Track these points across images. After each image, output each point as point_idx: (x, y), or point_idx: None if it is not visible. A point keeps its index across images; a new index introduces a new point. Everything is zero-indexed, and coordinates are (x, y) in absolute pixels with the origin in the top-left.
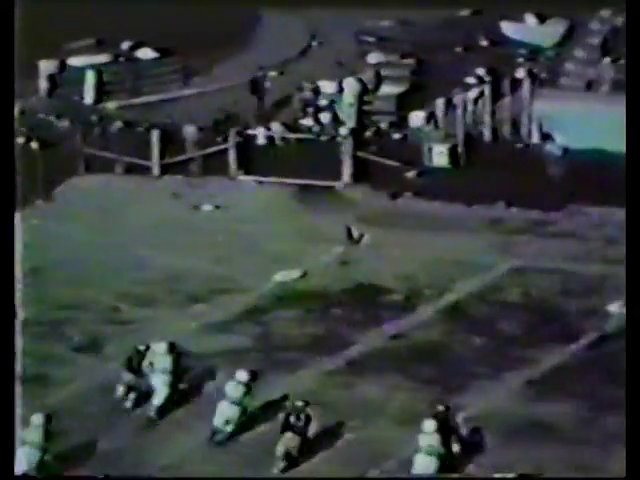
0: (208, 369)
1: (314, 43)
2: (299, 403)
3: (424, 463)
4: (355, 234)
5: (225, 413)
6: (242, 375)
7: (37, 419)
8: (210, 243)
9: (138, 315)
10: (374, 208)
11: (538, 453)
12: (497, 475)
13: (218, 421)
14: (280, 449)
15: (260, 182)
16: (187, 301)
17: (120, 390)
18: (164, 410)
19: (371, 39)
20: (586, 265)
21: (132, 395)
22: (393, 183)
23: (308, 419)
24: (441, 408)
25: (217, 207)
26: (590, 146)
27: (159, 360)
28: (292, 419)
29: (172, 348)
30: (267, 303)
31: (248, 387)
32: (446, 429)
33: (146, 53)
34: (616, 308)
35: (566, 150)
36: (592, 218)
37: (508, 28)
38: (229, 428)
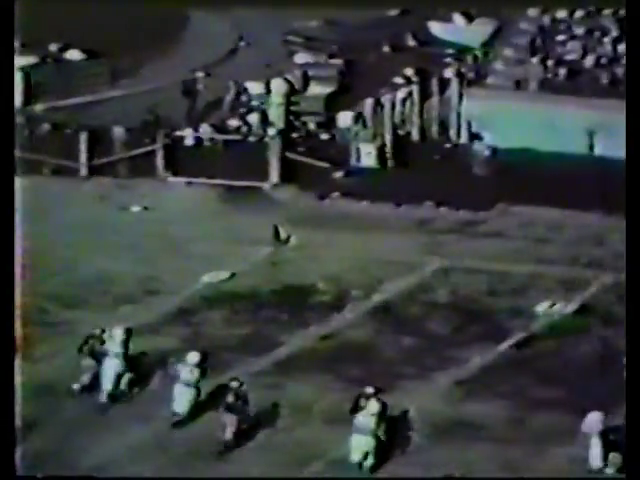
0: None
1: (242, 44)
2: (234, 383)
3: (359, 442)
4: (282, 235)
5: (183, 396)
6: (194, 357)
7: None
8: (138, 244)
9: (66, 316)
10: (302, 209)
11: (467, 452)
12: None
13: (177, 405)
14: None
15: (188, 183)
16: (115, 302)
17: (85, 378)
18: (115, 396)
19: (299, 40)
20: (514, 265)
21: (85, 378)
22: (321, 183)
23: (245, 399)
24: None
25: (145, 208)
26: (519, 145)
27: (112, 345)
28: (230, 399)
29: (127, 333)
30: (195, 304)
31: (202, 369)
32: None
33: (74, 55)
34: (543, 308)
35: (495, 150)
36: (520, 218)
37: (436, 28)
38: (187, 410)
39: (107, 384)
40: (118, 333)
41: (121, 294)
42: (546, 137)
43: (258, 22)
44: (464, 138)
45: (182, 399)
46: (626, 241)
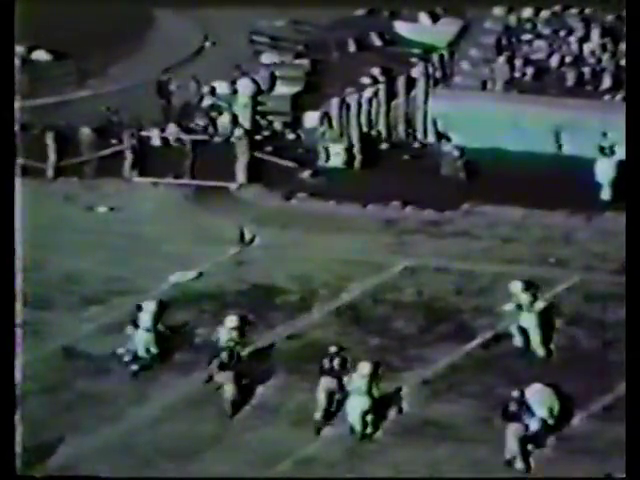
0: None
1: (207, 43)
2: (332, 348)
3: (355, 403)
4: (247, 236)
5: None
6: (232, 321)
7: None
8: (105, 245)
9: (32, 317)
10: (268, 209)
11: (434, 452)
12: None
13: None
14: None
15: (155, 183)
16: (82, 303)
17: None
18: (146, 365)
19: (264, 39)
20: (481, 264)
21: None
22: (288, 183)
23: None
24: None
25: (111, 209)
26: (485, 145)
27: (144, 318)
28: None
29: (160, 307)
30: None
31: (241, 331)
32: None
33: (41, 55)
34: (510, 307)
35: (462, 149)
36: (487, 217)
37: (402, 27)
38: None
39: (139, 353)
40: (150, 306)
41: (88, 294)
42: (513, 136)
43: (224, 22)
44: (431, 138)
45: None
46: (626, 241)
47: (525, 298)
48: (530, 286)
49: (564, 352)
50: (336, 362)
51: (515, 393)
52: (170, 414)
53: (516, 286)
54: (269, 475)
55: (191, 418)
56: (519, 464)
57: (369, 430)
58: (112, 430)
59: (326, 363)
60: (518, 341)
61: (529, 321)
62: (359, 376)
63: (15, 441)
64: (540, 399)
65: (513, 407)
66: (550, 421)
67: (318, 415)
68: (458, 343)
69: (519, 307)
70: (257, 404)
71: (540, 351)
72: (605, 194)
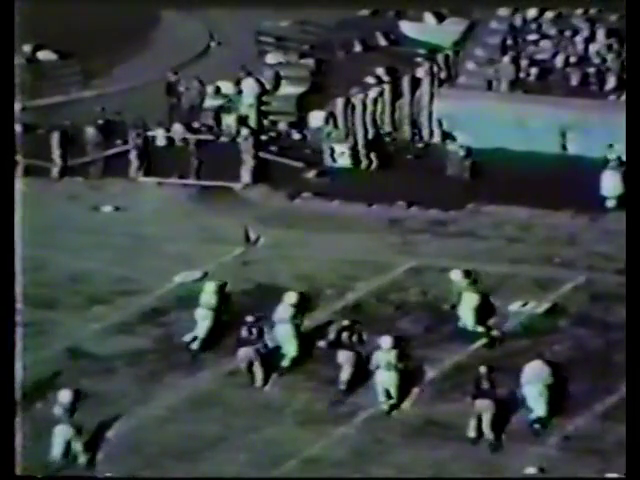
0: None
1: (213, 43)
2: (345, 322)
3: (384, 378)
4: (252, 236)
5: (283, 336)
6: (292, 297)
7: None
8: (110, 244)
9: (37, 317)
10: (274, 208)
11: (438, 452)
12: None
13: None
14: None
15: (159, 183)
16: (88, 303)
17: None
18: (206, 344)
19: (270, 39)
20: (486, 264)
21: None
22: (293, 183)
23: (360, 336)
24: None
25: (117, 208)
26: (490, 145)
27: (205, 297)
28: (345, 337)
29: (220, 288)
30: (167, 304)
31: (298, 307)
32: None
33: (46, 55)
34: (515, 307)
35: (468, 149)
36: (492, 217)
37: (407, 28)
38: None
39: (199, 333)
40: (211, 286)
41: (93, 294)
42: (518, 136)
43: (229, 22)
44: (436, 138)
45: (284, 339)
46: (626, 241)
47: (465, 283)
48: (469, 274)
49: (569, 352)
50: (351, 336)
51: (482, 369)
52: (175, 414)
53: (456, 274)
54: (274, 475)
55: (196, 418)
56: (472, 433)
57: (394, 401)
58: (117, 430)
59: (343, 337)
60: (462, 323)
61: (470, 302)
62: (384, 351)
63: (15, 441)
64: (536, 374)
65: (484, 385)
66: (544, 399)
67: (341, 386)
68: (463, 343)
69: (460, 294)
70: (262, 404)
71: (479, 329)
72: (610, 203)
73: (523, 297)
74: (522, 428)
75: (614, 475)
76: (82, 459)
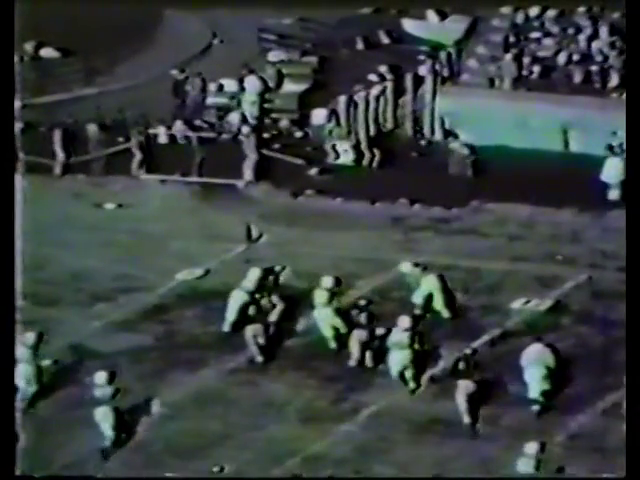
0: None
1: (215, 41)
2: (362, 302)
3: (397, 357)
4: (254, 233)
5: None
6: (328, 281)
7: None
8: (112, 242)
9: (40, 315)
10: (276, 206)
11: (442, 449)
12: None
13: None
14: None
15: (162, 181)
16: (90, 300)
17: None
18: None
19: (272, 37)
20: (488, 262)
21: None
22: (295, 181)
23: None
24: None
25: (119, 206)
26: (493, 143)
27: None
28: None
29: (265, 273)
30: (170, 302)
31: (332, 293)
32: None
33: (49, 53)
34: (518, 305)
35: (470, 147)
36: (495, 215)
37: (409, 25)
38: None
39: (230, 315)
40: (255, 272)
41: (95, 292)
42: (520, 134)
43: (232, 20)
44: (438, 135)
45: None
46: (626, 241)
47: (417, 272)
48: (418, 264)
49: (571, 350)
50: (365, 315)
51: (467, 350)
52: (178, 412)
53: (406, 266)
54: (277, 473)
55: (199, 415)
56: (466, 419)
57: (411, 385)
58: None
59: (357, 315)
60: (419, 307)
61: (430, 286)
62: (399, 330)
63: (15, 441)
64: (537, 358)
65: (461, 365)
66: (546, 381)
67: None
68: (466, 340)
69: (414, 281)
70: (265, 401)
71: (445, 313)
72: (613, 194)
73: (525, 295)
74: (525, 427)
75: (614, 475)
76: (120, 442)
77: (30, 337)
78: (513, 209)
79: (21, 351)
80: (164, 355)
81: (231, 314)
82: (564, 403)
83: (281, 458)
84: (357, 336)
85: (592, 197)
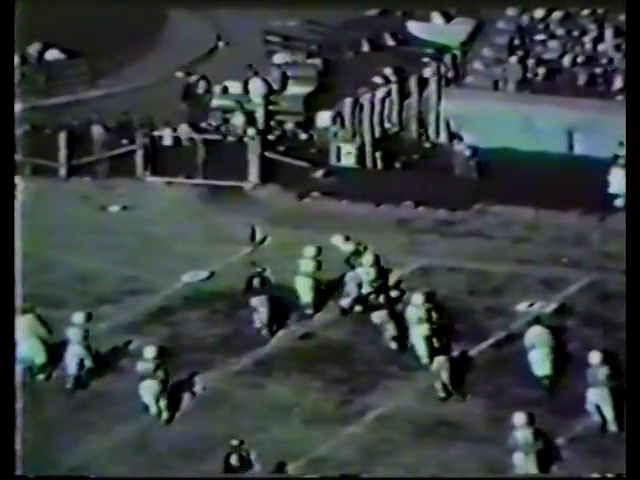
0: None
1: (220, 43)
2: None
3: (416, 331)
4: (258, 235)
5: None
6: (310, 250)
7: None
8: (118, 244)
9: (47, 316)
10: (282, 208)
11: (447, 451)
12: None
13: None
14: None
15: (168, 183)
16: (95, 302)
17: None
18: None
19: (277, 39)
20: (493, 264)
21: None
22: (300, 183)
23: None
24: None
25: (124, 208)
26: (498, 145)
27: (304, 264)
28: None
29: (318, 253)
30: (175, 304)
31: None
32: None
33: (54, 55)
34: (523, 307)
35: (474, 149)
36: (500, 217)
37: (414, 27)
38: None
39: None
40: (311, 251)
41: (101, 294)
42: (525, 136)
43: (237, 22)
44: (443, 138)
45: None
46: (626, 241)
47: (348, 248)
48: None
49: (576, 352)
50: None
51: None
52: (183, 414)
53: (337, 240)
54: (282, 475)
55: (204, 418)
56: (441, 393)
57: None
58: (125, 430)
59: (374, 300)
60: (352, 291)
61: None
62: (414, 307)
63: (15, 441)
64: (539, 339)
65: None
66: (550, 360)
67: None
68: (471, 343)
69: (347, 260)
70: (270, 403)
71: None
72: (620, 202)
73: (530, 297)
74: None
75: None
76: (165, 415)
77: (79, 317)
78: (518, 211)
79: (72, 331)
80: (169, 357)
81: (306, 298)
82: (568, 404)
83: (286, 460)
84: (376, 317)
85: (597, 199)
